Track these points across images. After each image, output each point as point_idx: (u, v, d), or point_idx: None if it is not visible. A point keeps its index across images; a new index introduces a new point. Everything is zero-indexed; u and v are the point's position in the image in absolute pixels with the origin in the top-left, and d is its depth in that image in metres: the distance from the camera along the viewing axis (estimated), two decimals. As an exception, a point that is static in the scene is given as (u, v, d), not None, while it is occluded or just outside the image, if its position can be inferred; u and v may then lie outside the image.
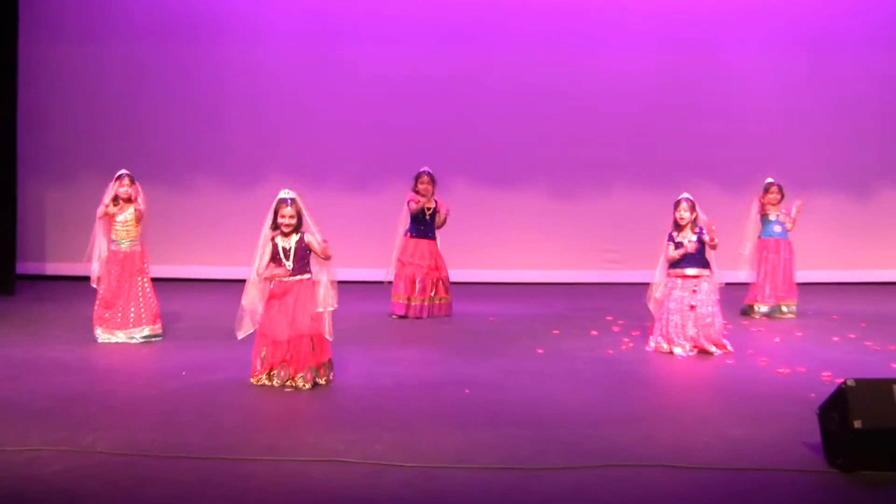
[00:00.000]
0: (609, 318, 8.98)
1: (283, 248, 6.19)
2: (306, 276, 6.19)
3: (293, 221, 6.21)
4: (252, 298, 6.28)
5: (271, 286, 6.28)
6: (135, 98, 11.34)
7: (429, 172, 9.05)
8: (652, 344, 7.58)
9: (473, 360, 7.10)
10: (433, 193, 9.08)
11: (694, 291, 7.48)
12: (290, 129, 11.51)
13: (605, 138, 11.65)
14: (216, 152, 11.52)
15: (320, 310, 6.18)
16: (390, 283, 9.09)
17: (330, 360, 6.36)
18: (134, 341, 7.60)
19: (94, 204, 7.68)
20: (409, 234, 9.04)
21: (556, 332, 8.34)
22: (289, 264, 6.15)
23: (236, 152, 11.52)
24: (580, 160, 11.69)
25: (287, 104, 11.51)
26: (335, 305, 6.28)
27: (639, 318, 8.60)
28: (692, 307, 7.46)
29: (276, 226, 6.28)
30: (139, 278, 7.63)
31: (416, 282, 8.96)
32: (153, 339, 7.65)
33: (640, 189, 11.63)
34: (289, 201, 6.24)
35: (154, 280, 7.71)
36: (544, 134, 11.65)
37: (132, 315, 7.63)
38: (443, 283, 9.12)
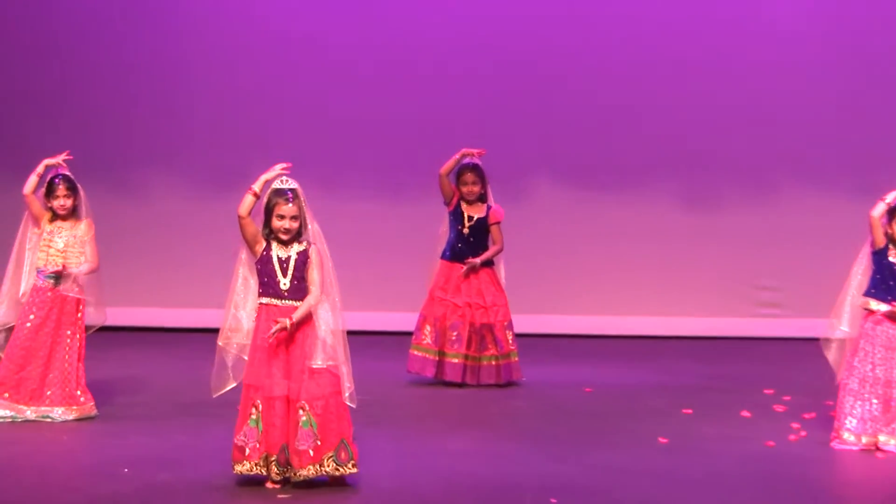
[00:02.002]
0: (768, 390, 8.99)
1: (279, 259, 6.14)
2: (283, 302, 6.17)
3: (295, 225, 6.14)
4: (234, 332, 6.22)
5: (255, 313, 6.16)
6: (58, 74, 11.65)
7: (475, 165, 8.94)
8: (850, 437, 7.23)
9: (562, 454, 7.04)
10: (483, 197, 8.96)
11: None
12: (282, 114, 11.69)
13: (762, 119, 11.73)
14: (179, 147, 11.71)
15: (321, 364, 6.08)
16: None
17: (353, 437, 6.21)
18: (49, 421, 7.56)
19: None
20: (443, 254, 9.01)
21: (688, 411, 8.31)
22: (284, 283, 6.11)
23: (207, 147, 11.70)
24: (722, 154, 11.74)
25: (278, 81, 11.71)
26: (341, 362, 6.12)
27: (814, 392, 8.55)
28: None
29: (269, 230, 6.17)
30: (68, 332, 7.58)
31: (448, 328, 8.86)
32: (81, 421, 7.62)
33: (815, 195, 11.63)
34: (289, 194, 6.14)
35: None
36: (667, 117, 11.69)
37: (52, 386, 7.57)
38: (495, 332, 8.91)
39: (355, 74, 11.78)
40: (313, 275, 6.12)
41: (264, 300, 6.14)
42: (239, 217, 6.11)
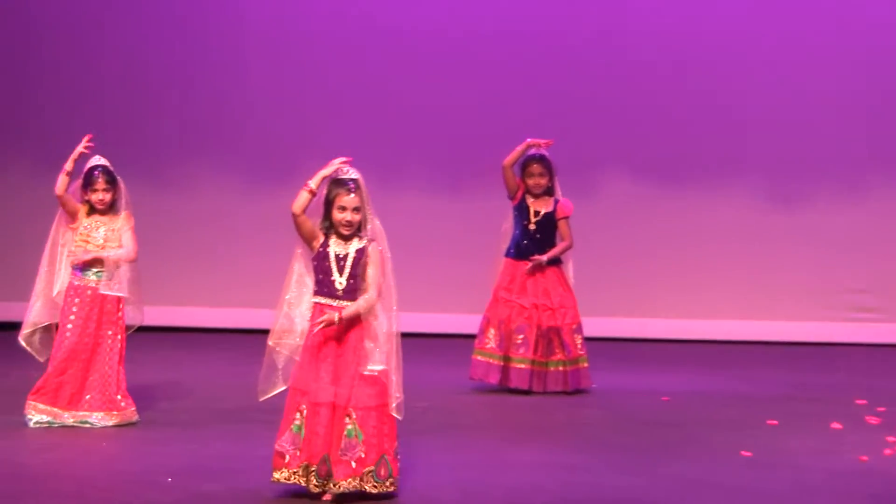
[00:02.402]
0: (860, 401, 8.96)
1: (337, 256, 6.12)
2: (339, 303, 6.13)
3: (357, 217, 6.10)
4: (286, 333, 6.21)
5: (309, 312, 6.13)
6: (98, 62, 11.90)
7: (542, 156, 8.93)
8: None
9: (635, 467, 7.01)
10: (550, 190, 8.94)
11: None
12: (336, 104, 11.87)
13: (854, 114, 11.83)
14: (227, 139, 11.93)
15: (371, 370, 6.05)
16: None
17: (396, 452, 6.19)
18: (88, 427, 7.60)
19: (30, 208, 7.90)
20: (507, 252, 9.00)
21: (773, 422, 8.29)
22: (340, 281, 6.09)
23: (257, 139, 11.92)
24: (812, 149, 11.81)
25: (333, 69, 11.88)
26: (392, 369, 6.09)
27: None
28: None
29: (329, 223, 6.16)
30: (109, 333, 7.62)
31: (514, 330, 8.84)
32: (121, 427, 7.65)
33: None
34: (350, 185, 6.10)
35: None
36: (754, 108, 11.79)
37: (92, 390, 7.60)
38: (563, 335, 8.89)
39: (414, 62, 11.90)
40: (371, 273, 6.08)
41: (318, 299, 6.11)
42: (293, 215, 6.07)
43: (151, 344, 10.74)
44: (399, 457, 6.18)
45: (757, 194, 11.79)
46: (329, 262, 6.09)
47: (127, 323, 7.71)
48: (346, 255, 6.09)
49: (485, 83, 11.79)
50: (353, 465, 6.04)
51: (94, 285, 7.59)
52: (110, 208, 7.62)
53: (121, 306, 7.65)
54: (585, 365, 8.96)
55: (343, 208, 6.05)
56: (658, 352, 11.21)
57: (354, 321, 6.07)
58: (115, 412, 7.60)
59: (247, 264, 11.52)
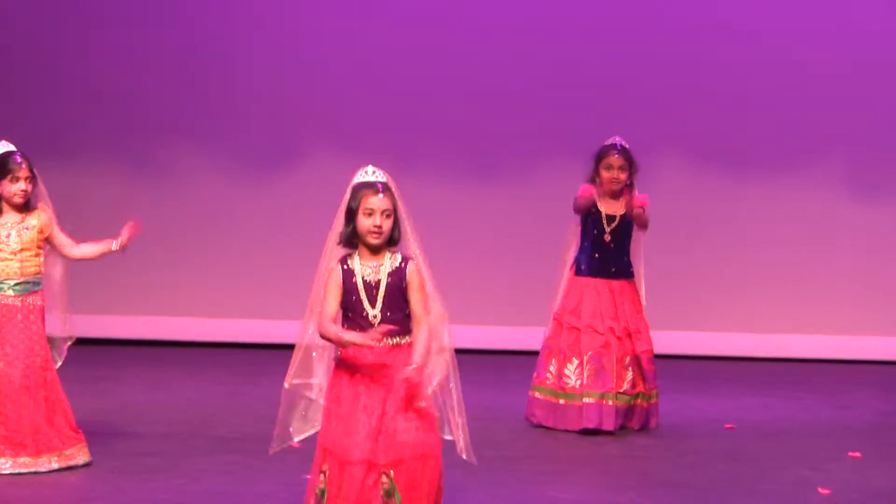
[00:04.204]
0: None
1: (366, 283, 5.90)
2: (405, 339, 5.96)
3: (388, 223, 5.90)
4: (308, 375, 6.07)
5: (338, 356, 5.97)
6: (76, 41, 11.89)
7: (623, 147, 8.70)
8: None
9: None
10: (628, 188, 8.69)
11: None
12: (347, 78, 11.86)
13: None
14: (214, 118, 11.91)
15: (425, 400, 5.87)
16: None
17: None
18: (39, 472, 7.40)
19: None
20: (575, 267, 8.79)
21: (856, 454, 8.24)
22: (373, 313, 5.87)
23: (252, 118, 11.90)
24: None
25: (340, 43, 11.83)
26: (448, 410, 5.99)
27: None
28: None
29: (352, 236, 5.96)
30: (38, 360, 7.38)
31: (581, 360, 8.64)
32: (72, 470, 7.48)
33: None
34: (380, 187, 5.91)
35: (75, 344, 7.69)
36: (830, 78, 11.73)
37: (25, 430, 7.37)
38: (642, 364, 8.75)
39: (439, 36, 11.88)
40: (415, 300, 5.91)
41: (351, 337, 5.89)
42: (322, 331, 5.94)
43: (135, 360, 10.94)
44: None
45: (833, 185, 11.80)
46: (357, 291, 5.89)
47: (57, 335, 7.58)
48: (377, 282, 5.89)
49: (526, 64, 11.79)
50: None
51: (12, 300, 7.40)
52: (25, 204, 7.42)
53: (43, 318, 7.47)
54: (655, 401, 8.84)
55: (370, 212, 5.86)
56: (723, 371, 11.24)
57: (399, 363, 5.89)
58: (56, 455, 7.40)
59: (246, 268, 11.63)
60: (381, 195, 5.85)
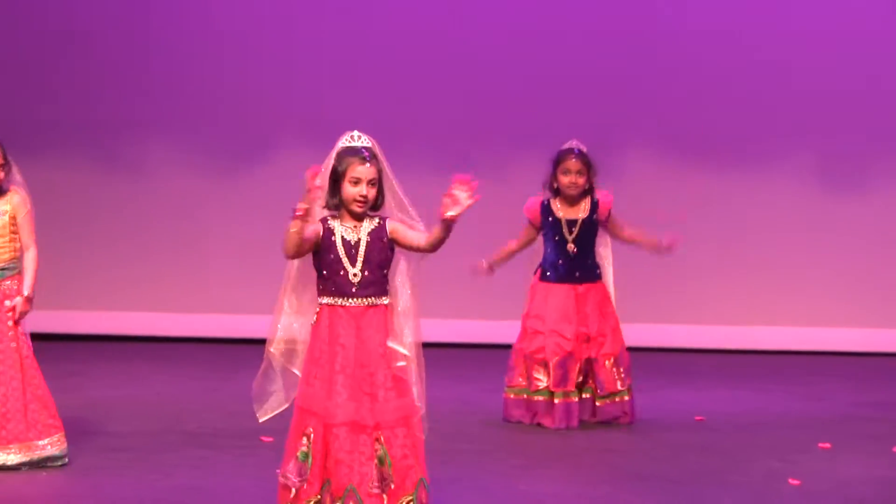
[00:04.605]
0: None
1: (345, 242, 5.94)
2: (382, 300, 5.99)
3: (373, 192, 5.93)
4: (286, 339, 6.05)
5: (315, 317, 5.99)
6: (38, 26, 11.85)
7: (580, 151, 8.62)
8: None
9: (668, 499, 7.05)
10: (588, 188, 8.64)
11: None
12: (317, 71, 11.89)
13: None
14: (183, 113, 11.90)
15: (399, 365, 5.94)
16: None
17: (425, 480, 6.06)
18: (9, 465, 7.33)
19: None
20: (540, 272, 8.77)
21: (825, 445, 8.27)
22: (354, 273, 5.94)
23: (221, 112, 11.88)
24: (871, 114, 11.83)
25: (311, 31, 11.90)
26: (413, 382, 6.00)
27: None
28: None
29: (339, 201, 5.94)
30: (13, 344, 7.31)
31: (548, 364, 8.62)
32: (48, 466, 7.42)
33: None
34: (365, 153, 5.93)
35: (43, 340, 7.82)
36: (803, 67, 11.82)
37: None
38: (608, 366, 8.72)
39: (410, 29, 11.89)
40: (412, 234, 5.97)
41: (325, 300, 5.95)
42: (287, 257, 5.96)
43: (106, 356, 10.94)
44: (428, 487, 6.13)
45: (805, 174, 11.84)
46: (336, 251, 5.91)
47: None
48: (357, 241, 5.92)
49: (487, 54, 11.83)
50: (385, 499, 5.94)
51: None
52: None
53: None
54: (628, 398, 8.78)
55: (357, 181, 5.88)
56: (694, 364, 11.26)
57: (375, 324, 5.94)
58: (37, 444, 7.33)
59: (215, 263, 11.63)
60: (367, 164, 5.88)
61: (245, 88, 11.86)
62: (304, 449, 5.93)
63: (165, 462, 7.52)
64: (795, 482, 7.24)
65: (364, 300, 5.91)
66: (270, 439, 7.82)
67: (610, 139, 11.28)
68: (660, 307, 11.69)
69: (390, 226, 5.95)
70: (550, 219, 8.59)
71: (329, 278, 5.91)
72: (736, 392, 10.06)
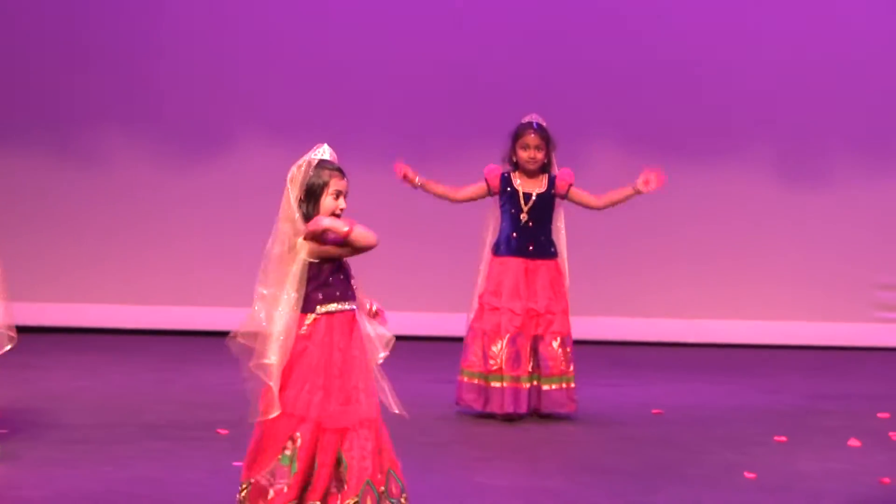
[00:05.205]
0: (883, 414, 9.09)
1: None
2: (346, 305, 6.02)
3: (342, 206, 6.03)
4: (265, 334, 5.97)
5: (306, 328, 5.96)
6: None
7: (539, 125, 8.64)
8: None
9: (622, 491, 7.07)
10: (547, 163, 8.65)
11: None
12: (277, 64, 11.88)
13: (883, 70, 11.93)
14: (142, 104, 11.85)
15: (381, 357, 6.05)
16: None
17: (395, 467, 6.14)
18: None
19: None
20: (495, 247, 8.77)
21: (781, 438, 8.34)
22: (354, 282, 6.04)
23: (181, 105, 11.85)
24: (829, 113, 11.93)
25: (272, 20, 11.88)
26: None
27: None
28: None
29: (317, 213, 5.92)
30: None
31: (502, 343, 8.61)
32: None
33: None
34: (342, 170, 5.97)
35: None
36: (758, 66, 11.92)
37: None
38: (554, 346, 8.69)
39: (372, 14, 11.89)
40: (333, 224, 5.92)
41: (327, 307, 5.95)
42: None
43: (59, 347, 10.85)
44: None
45: (763, 169, 11.92)
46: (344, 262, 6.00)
47: None
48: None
49: (454, 45, 11.84)
50: (339, 500, 5.97)
51: None
52: None
53: None
54: (572, 385, 8.72)
55: (339, 194, 5.94)
56: (649, 357, 11.34)
57: (351, 324, 5.99)
58: None
59: (173, 255, 11.57)
60: (345, 178, 5.94)
61: (205, 83, 11.81)
62: (289, 453, 5.92)
63: (120, 454, 7.50)
64: (751, 475, 7.29)
65: (344, 307, 5.97)
66: (226, 431, 7.85)
67: (572, 130, 11.08)
68: (615, 300, 11.73)
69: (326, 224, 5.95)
70: (508, 189, 8.61)
71: (333, 284, 5.95)
72: (692, 385, 10.14)
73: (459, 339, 8.90)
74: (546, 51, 11.80)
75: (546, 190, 8.61)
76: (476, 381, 8.61)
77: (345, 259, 6.03)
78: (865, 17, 11.90)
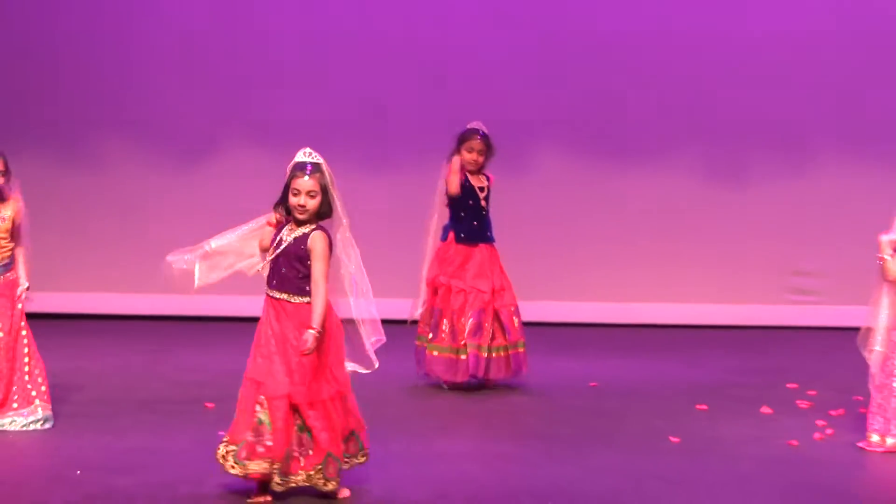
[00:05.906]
0: (792, 385, 9.33)
1: (280, 239, 6.27)
2: (297, 299, 6.25)
3: (312, 203, 6.22)
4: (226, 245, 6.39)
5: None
6: None
7: (484, 133, 9.13)
8: (874, 437, 7.57)
9: (563, 456, 7.26)
10: (485, 166, 9.19)
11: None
12: (254, 73, 11.96)
13: (798, 77, 11.95)
14: (133, 111, 11.93)
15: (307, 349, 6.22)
16: (415, 322, 9.21)
17: (360, 429, 6.42)
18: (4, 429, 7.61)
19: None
20: (455, 235, 9.16)
21: (702, 407, 8.61)
22: (269, 258, 6.28)
23: (173, 111, 11.93)
24: (750, 116, 12.02)
25: (257, 36, 11.96)
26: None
27: (845, 387, 8.90)
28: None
29: (287, 208, 6.31)
30: (11, 326, 7.61)
31: (467, 317, 9.02)
32: (39, 428, 7.65)
33: (859, 165, 11.87)
34: (308, 168, 6.24)
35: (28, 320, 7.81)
36: (686, 75, 12.00)
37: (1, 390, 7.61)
38: (510, 318, 9.15)
39: (342, 33, 11.86)
40: (314, 269, 6.20)
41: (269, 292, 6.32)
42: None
43: (58, 332, 10.80)
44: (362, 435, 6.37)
45: (690, 167, 11.93)
46: (272, 242, 6.29)
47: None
48: (280, 241, 6.26)
49: (414, 53, 11.91)
50: (302, 462, 6.26)
51: None
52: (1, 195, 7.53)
53: (21, 295, 7.64)
54: (523, 350, 9.13)
55: (297, 192, 6.21)
56: (588, 337, 11.53)
57: (296, 317, 6.22)
58: (27, 410, 7.62)
59: (163, 250, 11.66)
60: (307, 177, 6.18)
61: (193, 89, 11.83)
62: (260, 415, 6.18)
63: (118, 425, 7.70)
64: (676, 439, 7.59)
65: (278, 293, 6.24)
66: (212, 405, 8.09)
67: (517, 130, 11.43)
68: (560, 285, 11.77)
69: (311, 240, 6.24)
70: (467, 185, 9.10)
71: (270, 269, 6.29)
72: (625, 361, 10.36)
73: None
74: (491, 55, 11.81)
75: (486, 185, 9.15)
76: (446, 355, 8.94)
77: (274, 242, 6.26)
78: (777, 22, 11.84)
